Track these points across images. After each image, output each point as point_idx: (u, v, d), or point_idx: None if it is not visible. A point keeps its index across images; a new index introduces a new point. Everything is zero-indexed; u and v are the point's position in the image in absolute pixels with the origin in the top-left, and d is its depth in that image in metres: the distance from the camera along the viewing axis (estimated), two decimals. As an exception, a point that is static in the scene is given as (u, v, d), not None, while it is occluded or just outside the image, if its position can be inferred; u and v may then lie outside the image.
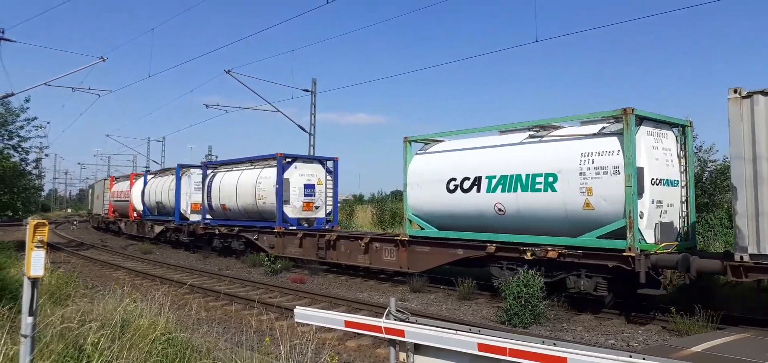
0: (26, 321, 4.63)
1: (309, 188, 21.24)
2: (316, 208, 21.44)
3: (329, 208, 21.82)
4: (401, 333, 4.98)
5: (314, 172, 21.55)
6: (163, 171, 33.23)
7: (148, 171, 34.92)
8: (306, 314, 5.90)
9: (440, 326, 5.11)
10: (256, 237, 21.40)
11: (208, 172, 25.70)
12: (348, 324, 5.48)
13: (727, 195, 18.41)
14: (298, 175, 21.11)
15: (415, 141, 16.06)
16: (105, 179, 47.15)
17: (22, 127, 25.52)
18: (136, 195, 35.11)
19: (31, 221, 4.70)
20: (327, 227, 21.17)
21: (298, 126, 30.59)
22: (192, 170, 28.29)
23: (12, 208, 25.58)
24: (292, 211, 20.67)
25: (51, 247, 22.62)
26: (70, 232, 45.29)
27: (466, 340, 4.52)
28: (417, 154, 15.87)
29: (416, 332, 4.91)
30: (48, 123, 36.05)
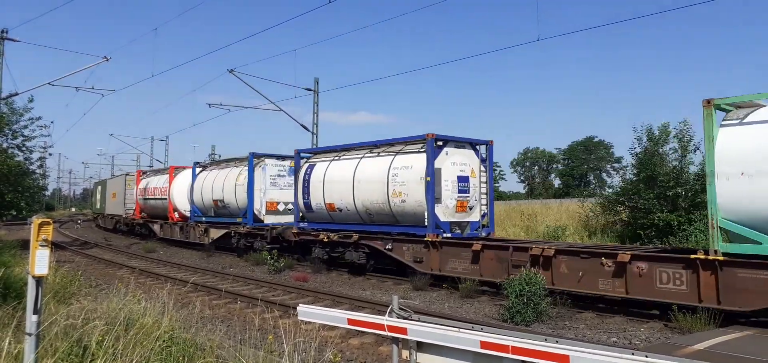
0: (31, 319, 4.66)
1: (463, 181, 15.84)
2: (470, 209, 16.06)
3: (484, 209, 16.59)
4: (404, 331, 5.00)
5: (467, 161, 16.08)
6: (220, 162, 27.28)
7: (198, 164, 27.98)
8: (309, 312, 5.92)
9: (443, 324, 5.12)
10: (388, 247, 16.17)
11: (303, 162, 19.79)
12: (351, 322, 5.50)
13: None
14: (450, 164, 15.48)
15: (726, 107, 10.53)
16: (125, 175, 40.37)
17: (25, 127, 25.64)
18: (179, 192, 29.62)
19: (36, 220, 4.72)
20: (483, 233, 16.26)
21: (301, 125, 30.69)
22: (267, 161, 22.87)
23: (16, 207, 25.66)
24: (443, 212, 15.23)
25: (55, 246, 22.70)
26: (74, 231, 45.43)
27: (469, 338, 4.53)
28: (731, 125, 10.27)
29: (419, 330, 4.93)
30: (52, 122, 36.37)
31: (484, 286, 13.82)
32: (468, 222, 16.03)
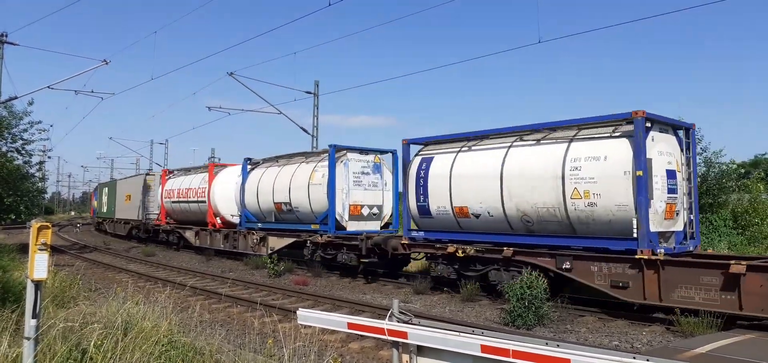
0: (29, 323, 4.64)
1: (671, 178, 11.70)
2: (677, 214, 11.88)
3: (689, 215, 12.15)
4: (404, 335, 4.97)
5: (672, 150, 11.97)
6: (281, 158, 21.82)
7: (250, 160, 22.98)
8: (309, 316, 5.88)
9: (443, 328, 5.10)
10: (565, 265, 11.82)
11: (414, 156, 15.58)
12: (351, 326, 5.47)
13: (731, 196, 18.41)
14: (658, 154, 11.39)
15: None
16: (144, 174, 36.05)
17: (25, 130, 25.61)
18: (222, 194, 24.85)
19: (35, 224, 4.70)
20: (690, 246, 11.95)
21: (301, 128, 30.69)
22: (349, 155, 18.56)
23: (15, 211, 25.63)
24: (653, 219, 10.99)
25: (54, 250, 22.66)
26: (73, 235, 45.38)
27: (470, 342, 4.50)
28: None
29: (419, 334, 4.90)
30: (51, 126, 36.36)
31: (744, 322, 9.78)
32: (673, 232, 11.86)
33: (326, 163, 18.34)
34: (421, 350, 5.00)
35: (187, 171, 29.71)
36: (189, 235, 27.39)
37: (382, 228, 18.37)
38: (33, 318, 4.64)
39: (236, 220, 23.75)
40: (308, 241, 18.84)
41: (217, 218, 25.15)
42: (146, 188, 33.18)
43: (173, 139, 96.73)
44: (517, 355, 4.14)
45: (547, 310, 10.84)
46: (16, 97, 26.32)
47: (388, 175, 19.40)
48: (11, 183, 24.64)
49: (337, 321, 5.67)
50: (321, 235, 18.21)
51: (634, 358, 3.75)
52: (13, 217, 26.46)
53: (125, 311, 6.99)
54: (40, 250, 4.61)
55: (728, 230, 16.99)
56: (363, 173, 18.85)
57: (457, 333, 4.76)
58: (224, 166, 26.81)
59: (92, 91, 28.12)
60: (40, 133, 26.28)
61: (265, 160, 22.77)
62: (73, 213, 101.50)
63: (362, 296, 14.55)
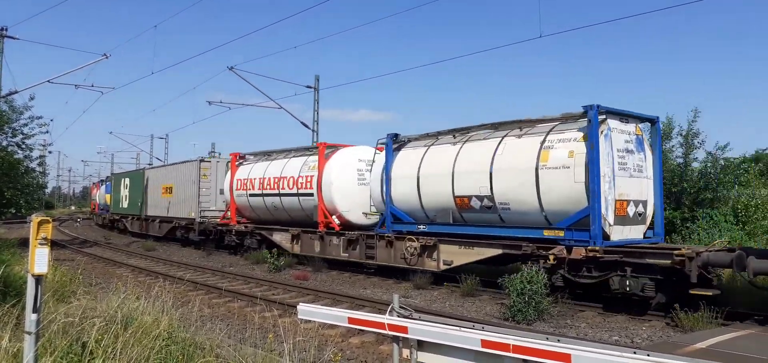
0: (30, 318, 4.64)
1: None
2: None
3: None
4: (405, 329, 4.98)
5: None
6: (458, 132, 15.15)
7: (395, 136, 16.52)
8: (309, 311, 5.90)
9: (444, 323, 5.10)
10: None
11: None
12: (352, 321, 5.48)
13: (732, 191, 18.39)
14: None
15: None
16: (199, 160, 26.67)
17: (26, 125, 25.60)
18: (341, 185, 18.46)
19: (35, 218, 4.70)
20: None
21: (302, 123, 30.74)
22: (610, 122, 11.93)
23: (15, 205, 25.64)
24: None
25: (54, 245, 22.64)
26: (73, 230, 45.43)
27: (470, 337, 4.51)
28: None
29: (420, 329, 4.91)
30: (51, 120, 36.05)
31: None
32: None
33: (568, 135, 12.08)
34: (421, 345, 5.02)
35: (267, 155, 22.59)
36: (281, 239, 20.26)
37: (644, 235, 12.72)
38: (34, 313, 4.63)
39: (358, 219, 18.23)
40: (552, 257, 11.81)
41: (334, 217, 18.10)
42: (202, 178, 26.24)
43: (173, 133, 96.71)
44: (518, 349, 4.15)
45: (547, 305, 10.85)
46: (16, 91, 26.31)
47: (649, 155, 12.99)
48: (11, 177, 24.64)
49: (338, 316, 5.68)
50: (569, 248, 11.74)
51: (635, 352, 3.76)
52: (14, 212, 26.47)
53: (125, 306, 6.99)
54: (40, 244, 4.60)
55: (729, 226, 16.95)
56: (627, 151, 12.33)
57: (458, 328, 4.77)
58: (336, 146, 19.66)
59: (92, 86, 28.06)
60: (40, 127, 26.28)
61: (421, 137, 16.31)
62: (73, 208, 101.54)
63: (362, 291, 14.56)
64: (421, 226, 15.38)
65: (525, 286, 10.75)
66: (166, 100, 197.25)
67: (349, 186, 18.50)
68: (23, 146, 25.77)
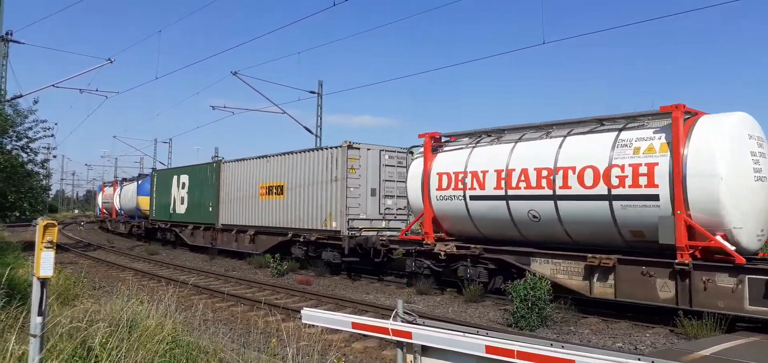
0: (35, 320, 4.65)
1: None
2: None
3: None
4: (409, 335, 4.98)
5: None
6: None
7: None
8: (313, 316, 5.90)
9: (448, 328, 5.10)
10: None
11: None
12: (355, 325, 5.48)
13: None
14: None
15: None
16: (356, 144, 18.44)
17: (30, 128, 25.66)
18: (749, 178, 10.28)
19: (41, 222, 4.72)
20: None
21: (305, 128, 30.74)
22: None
23: (19, 208, 25.68)
24: None
25: (58, 248, 22.57)
26: (77, 233, 45.52)
27: (474, 342, 4.51)
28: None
29: (424, 334, 4.91)
30: (56, 124, 36.09)
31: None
32: None
33: None
34: (425, 350, 5.01)
35: (498, 134, 14.00)
36: (561, 272, 12.06)
37: None
38: (39, 316, 4.64)
39: (750, 242, 10.41)
40: None
41: (718, 236, 10.07)
42: (348, 173, 18.17)
43: (177, 138, 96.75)
44: (522, 356, 4.14)
45: (550, 311, 10.84)
46: (21, 96, 26.42)
47: None
48: (15, 180, 24.69)
49: (342, 321, 5.68)
50: None
51: (639, 359, 3.76)
52: (18, 215, 26.52)
53: (130, 309, 7.00)
54: (46, 247, 4.62)
55: None
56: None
57: (462, 333, 4.77)
58: (695, 112, 10.93)
59: (97, 90, 28.32)
60: (45, 131, 26.34)
61: None
62: (76, 211, 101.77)
63: (365, 296, 14.56)
64: None
65: (528, 292, 10.74)
66: (169, 104, 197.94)
67: (743, 182, 10.30)
68: (27, 150, 25.84)
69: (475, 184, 13.63)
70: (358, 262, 17.96)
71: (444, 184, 14.42)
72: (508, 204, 12.93)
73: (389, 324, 5.12)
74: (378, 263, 17.70)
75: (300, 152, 20.40)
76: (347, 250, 17.46)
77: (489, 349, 4.38)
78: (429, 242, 14.73)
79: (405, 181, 17.04)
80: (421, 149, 15.40)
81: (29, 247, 17.87)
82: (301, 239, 19.46)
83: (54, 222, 4.80)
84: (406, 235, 16.07)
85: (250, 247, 22.50)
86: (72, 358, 5.26)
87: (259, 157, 22.73)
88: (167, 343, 6.02)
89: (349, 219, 17.77)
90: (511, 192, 12.85)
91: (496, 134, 14.03)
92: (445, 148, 15.07)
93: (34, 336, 4.64)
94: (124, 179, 45.55)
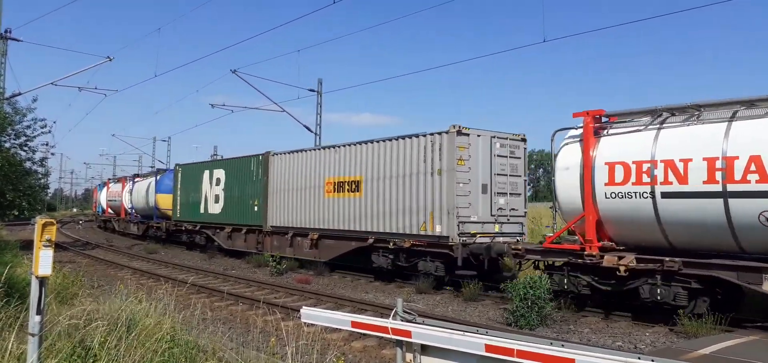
0: (34, 319, 4.63)
1: None
2: None
3: None
4: (408, 334, 4.97)
5: None
6: None
7: None
8: (312, 315, 5.89)
9: (447, 327, 5.10)
10: None
11: None
12: (355, 324, 5.47)
13: None
14: None
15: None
16: (466, 129, 14.69)
17: (28, 127, 25.61)
18: None
19: (39, 220, 4.70)
20: None
21: (304, 126, 30.71)
22: None
23: (18, 207, 25.62)
24: None
25: (57, 247, 22.56)
26: (75, 232, 45.49)
27: (474, 341, 4.50)
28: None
29: (423, 333, 4.90)
30: (54, 122, 35.96)
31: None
32: None
33: None
34: (425, 349, 5.01)
35: (668, 112, 11.05)
36: None
37: None
38: (37, 314, 4.63)
39: None
40: None
41: None
42: (456, 164, 14.60)
43: (176, 136, 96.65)
44: (522, 354, 4.14)
45: (550, 310, 10.83)
46: (19, 94, 26.36)
47: None
48: (13, 178, 24.64)
49: (341, 320, 5.67)
50: None
51: (639, 358, 3.75)
52: (16, 214, 26.45)
53: (128, 308, 6.99)
54: (44, 246, 4.60)
55: None
56: None
57: (462, 332, 4.76)
58: None
59: (96, 88, 28.20)
60: (43, 129, 26.29)
61: None
62: (75, 210, 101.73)
63: (365, 295, 14.55)
64: None
65: (528, 291, 10.74)
66: (168, 102, 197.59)
67: None
68: (26, 148, 25.79)
69: (671, 177, 10.30)
70: (475, 275, 14.35)
71: (617, 177, 10.97)
72: (726, 203, 9.63)
73: (389, 323, 5.11)
74: (486, 273, 14.73)
75: (385, 140, 16.61)
76: (460, 261, 14.08)
77: (489, 347, 4.37)
78: (592, 253, 11.36)
79: (518, 176, 15.14)
80: (576, 132, 12.05)
81: (28, 245, 17.84)
82: (391, 245, 15.80)
83: (52, 220, 4.78)
84: (552, 243, 12.44)
85: (310, 253, 19.05)
86: (70, 356, 5.24)
87: (323, 148, 19.34)
88: (166, 342, 6.00)
89: (459, 222, 14.33)
90: (732, 187, 9.55)
91: (690, 111, 10.58)
92: (613, 130, 11.59)
93: (33, 335, 4.62)
94: (137, 175, 42.14)
